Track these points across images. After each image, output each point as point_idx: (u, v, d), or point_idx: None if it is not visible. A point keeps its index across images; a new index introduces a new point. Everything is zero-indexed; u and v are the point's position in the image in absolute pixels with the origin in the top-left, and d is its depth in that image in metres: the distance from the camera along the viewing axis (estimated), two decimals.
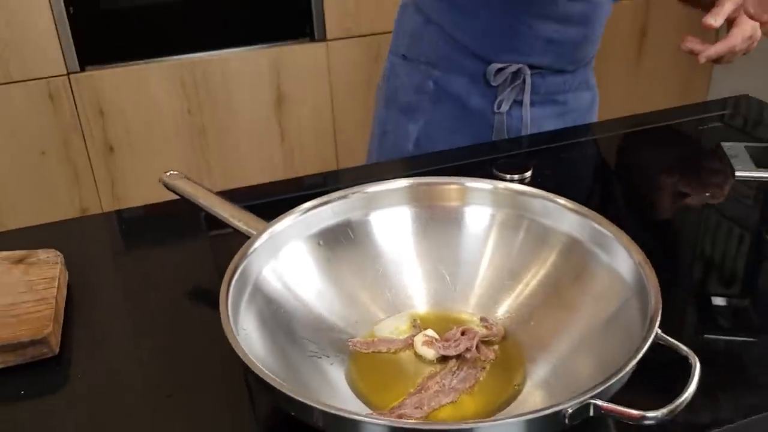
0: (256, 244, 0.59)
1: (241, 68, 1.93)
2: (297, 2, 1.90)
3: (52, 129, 1.84)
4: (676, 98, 2.41)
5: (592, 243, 0.58)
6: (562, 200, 0.61)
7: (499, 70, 1.04)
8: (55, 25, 1.74)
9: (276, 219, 0.62)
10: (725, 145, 0.73)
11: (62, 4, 1.73)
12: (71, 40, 1.77)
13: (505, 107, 1.06)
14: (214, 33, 1.91)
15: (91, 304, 0.67)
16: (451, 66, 1.07)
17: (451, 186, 0.68)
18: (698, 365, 0.45)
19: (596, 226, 0.58)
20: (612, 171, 0.96)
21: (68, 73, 1.80)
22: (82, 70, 1.81)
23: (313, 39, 1.94)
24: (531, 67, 1.05)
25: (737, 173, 0.69)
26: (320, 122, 2.04)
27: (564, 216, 0.61)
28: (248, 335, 0.52)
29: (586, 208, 0.60)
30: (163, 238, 0.81)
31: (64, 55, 1.78)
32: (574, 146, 0.98)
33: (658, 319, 0.48)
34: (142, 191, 1.93)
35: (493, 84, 1.05)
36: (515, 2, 0.98)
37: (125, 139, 1.91)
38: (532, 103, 1.07)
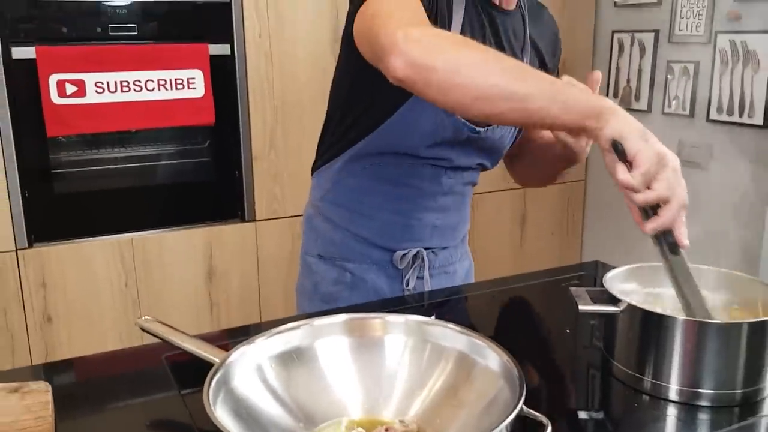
0: (231, 358, 0.80)
1: (177, 246, 2.15)
2: (231, 189, 2.19)
3: None
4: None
5: (474, 353, 0.83)
6: (451, 325, 0.86)
7: (403, 255, 1.28)
8: (10, 206, 1.94)
9: (238, 345, 0.83)
10: (572, 289, 1.01)
11: (18, 189, 1.94)
12: (23, 220, 1.97)
13: (411, 284, 1.28)
14: (154, 214, 2.15)
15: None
16: (363, 259, 1.28)
17: (375, 320, 0.91)
18: (550, 427, 0.69)
19: (475, 340, 0.83)
20: (495, 311, 1.23)
21: (17, 249, 1.97)
22: (30, 246, 1.99)
23: (243, 219, 2.22)
24: (426, 248, 1.29)
25: (580, 307, 0.96)
26: (247, 293, 2.26)
27: (455, 337, 0.86)
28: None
29: (468, 329, 0.85)
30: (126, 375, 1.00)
31: (14, 233, 1.96)
32: (463, 299, 1.26)
33: (523, 396, 0.71)
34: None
35: (399, 267, 1.28)
36: (404, 205, 1.25)
37: (63, 310, 2.05)
38: (431, 276, 1.30)
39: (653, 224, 0.87)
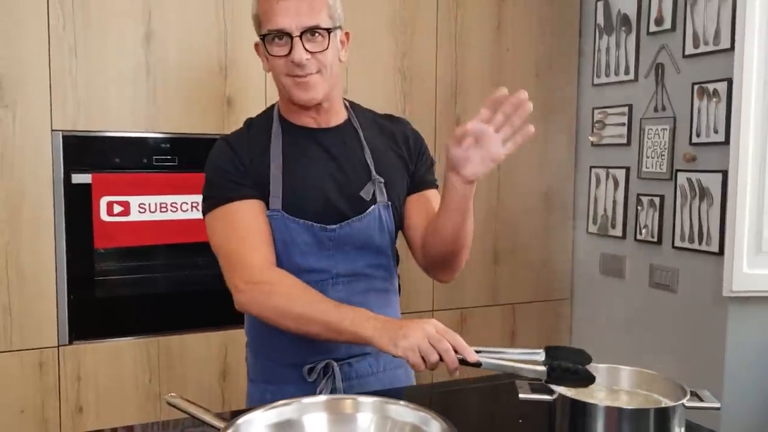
0: (239, 421, 1.07)
1: (196, 346, 2.43)
2: None
3: (35, 392, 2.24)
4: None
5: (423, 425, 1.09)
6: (403, 403, 1.13)
7: (310, 369, 1.39)
8: (57, 308, 2.25)
9: (244, 413, 1.10)
10: (516, 381, 1.25)
11: (66, 293, 2.26)
12: (67, 320, 2.27)
13: (325, 395, 1.33)
14: (178, 318, 2.44)
15: None
16: (279, 379, 1.43)
17: (348, 400, 1.18)
18: None
19: (423, 414, 1.09)
20: (452, 404, 1.47)
21: (59, 346, 2.26)
22: (70, 343, 2.28)
23: None
24: (337, 359, 1.40)
25: (520, 395, 1.20)
26: None
27: (408, 413, 1.12)
28: None
29: (419, 406, 1.11)
30: None
31: (58, 331, 2.26)
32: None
33: None
34: None
35: (310, 380, 1.39)
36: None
37: (93, 401, 2.31)
38: (350, 387, 1.40)
39: (453, 366, 1.15)
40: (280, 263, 1.39)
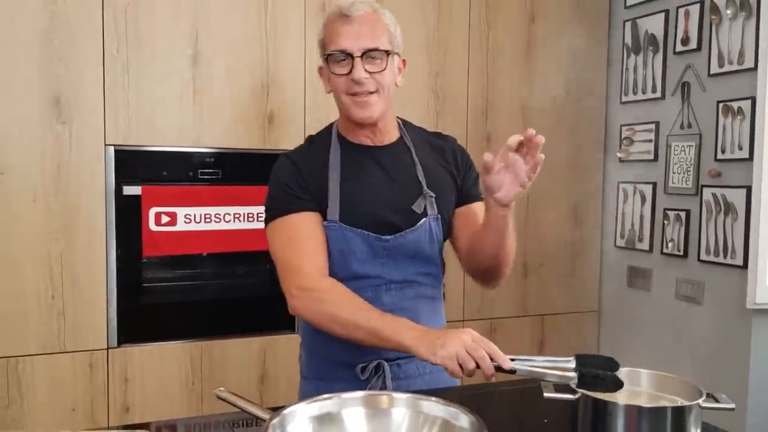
0: (285, 412, 1.17)
1: (237, 351, 2.55)
2: (285, 304, 2.59)
3: (85, 391, 2.37)
4: None
5: (453, 419, 1.18)
6: (434, 399, 1.22)
7: (363, 367, 1.48)
8: (107, 313, 2.38)
9: (287, 406, 1.20)
10: (542, 382, 1.33)
11: (115, 299, 2.39)
12: (116, 325, 2.40)
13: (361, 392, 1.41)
14: (220, 323, 2.56)
15: None
16: (331, 377, 1.52)
17: (384, 396, 1.28)
18: None
19: (452, 408, 1.18)
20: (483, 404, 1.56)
21: (108, 348, 2.39)
22: (119, 346, 2.41)
23: (294, 331, 2.61)
24: (388, 360, 1.48)
25: (545, 395, 1.28)
26: (292, 396, 2.60)
27: (438, 408, 1.21)
28: None
29: (448, 402, 1.20)
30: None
31: (108, 335, 2.39)
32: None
33: None
34: None
35: (363, 378, 1.47)
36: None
37: (140, 402, 2.44)
38: (398, 387, 1.47)
39: (489, 372, 1.24)
40: (337, 270, 1.49)
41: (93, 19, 2.31)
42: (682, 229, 2.72)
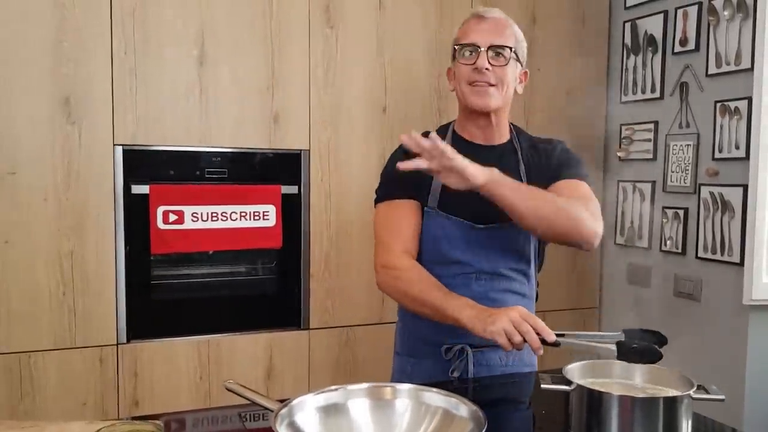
0: (292, 402, 1.22)
1: (244, 347, 2.60)
2: (292, 301, 2.66)
3: (96, 386, 2.43)
4: None
5: (452, 408, 1.23)
6: (435, 390, 1.27)
7: (447, 349, 1.58)
8: (116, 309, 2.44)
9: (295, 397, 1.25)
10: (540, 374, 1.38)
11: (124, 295, 2.44)
12: (125, 321, 2.45)
13: (456, 374, 1.57)
14: (227, 320, 2.61)
15: None
16: (421, 354, 1.64)
17: (387, 388, 1.33)
18: None
19: (452, 399, 1.23)
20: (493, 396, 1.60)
21: (117, 344, 2.45)
22: (128, 342, 2.47)
23: (300, 328, 2.67)
24: (472, 346, 1.58)
25: (542, 386, 1.33)
26: (299, 392, 2.66)
27: (439, 399, 1.26)
28: None
29: (448, 392, 1.25)
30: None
31: (117, 331, 2.44)
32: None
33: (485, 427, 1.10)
34: None
35: (446, 359, 1.58)
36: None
37: (149, 396, 2.49)
38: (479, 374, 1.57)
39: (535, 345, 1.33)
40: (429, 254, 1.61)
41: (102, 21, 2.36)
42: (681, 226, 2.77)
